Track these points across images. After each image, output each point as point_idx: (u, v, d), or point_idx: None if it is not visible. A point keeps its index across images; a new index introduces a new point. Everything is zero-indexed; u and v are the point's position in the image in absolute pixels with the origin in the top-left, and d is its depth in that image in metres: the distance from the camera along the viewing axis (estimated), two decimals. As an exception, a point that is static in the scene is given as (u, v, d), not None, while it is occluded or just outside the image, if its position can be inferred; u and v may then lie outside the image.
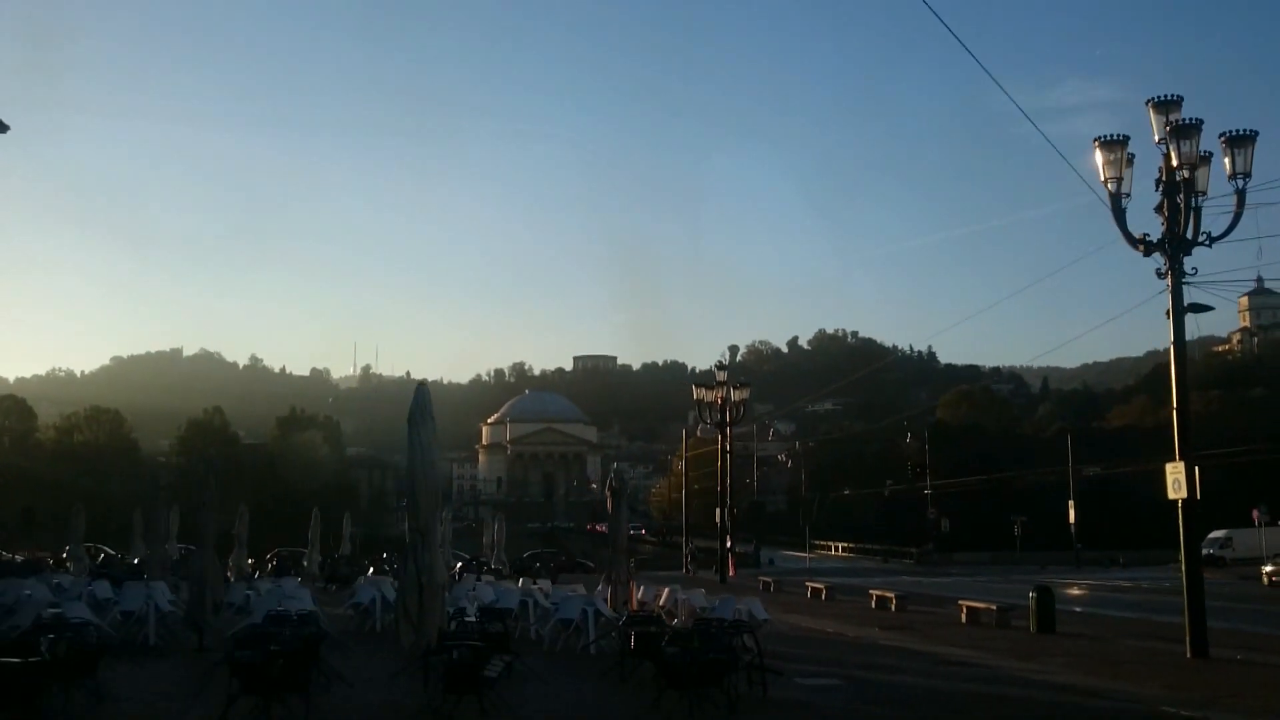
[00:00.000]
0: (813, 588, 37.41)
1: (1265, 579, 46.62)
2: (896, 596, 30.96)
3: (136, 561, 39.30)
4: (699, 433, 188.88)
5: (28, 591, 21.17)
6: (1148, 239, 19.77)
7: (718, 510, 49.25)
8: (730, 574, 52.29)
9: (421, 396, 14.48)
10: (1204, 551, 60.45)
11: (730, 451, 50.19)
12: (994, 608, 26.19)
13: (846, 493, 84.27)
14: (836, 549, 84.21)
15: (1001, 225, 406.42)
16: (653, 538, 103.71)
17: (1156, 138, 19.66)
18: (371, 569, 44.14)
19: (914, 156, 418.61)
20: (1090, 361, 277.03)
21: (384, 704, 13.55)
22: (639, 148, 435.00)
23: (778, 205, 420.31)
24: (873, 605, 31.68)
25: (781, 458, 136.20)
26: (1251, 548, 60.83)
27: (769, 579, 43.72)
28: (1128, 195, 20.17)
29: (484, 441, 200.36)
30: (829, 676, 16.22)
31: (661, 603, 22.76)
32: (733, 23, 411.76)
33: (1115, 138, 19.88)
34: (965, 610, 27.04)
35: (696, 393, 49.74)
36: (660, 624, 15.86)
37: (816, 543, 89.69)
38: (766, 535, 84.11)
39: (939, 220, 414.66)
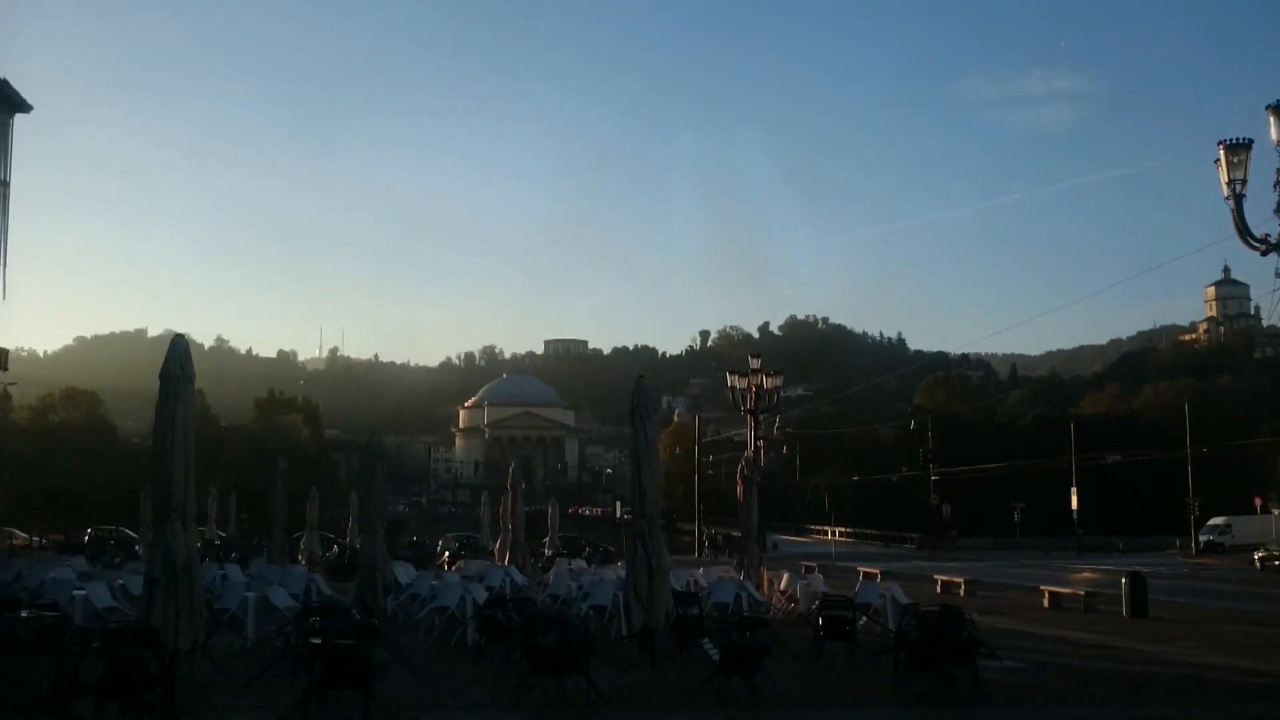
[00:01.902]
0: (865, 572, 38.07)
1: (1257, 563, 49.14)
2: (965, 581, 31.71)
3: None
4: (675, 417, 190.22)
5: (223, 573, 21.61)
6: (1269, 239, 20.57)
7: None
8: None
9: (644, 392, 14.94)
10: (1204, 538, 62.84)
11: (808, 439, 50.80)
12: (1080, 593, 27.08)
13: (855, 479, 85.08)
14: (834, 534, 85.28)
15: (969, 213, 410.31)
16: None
17: (1275, 139, 20.43)
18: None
19: (882, 143, 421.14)
20: (1055, 349, 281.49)
21: (661, 682, 13.97)
22: (608, 129, 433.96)
23: (748, 190, 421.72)
24: (938, 590, 32.40)
25: (762, 442, 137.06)
26: (1250, 534, 62.83)
27: (810, 563, 44.39)
28: (1244, 196, 21.02)
29: (461, 425, 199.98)
30: (1005, 658, 16.81)
31: (782, 588, 23.38)
32: (702, 2, 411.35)
33: (1240, 141, 20.62)
34: (1048, 595, 27.88)
35: (730, 379, 50.18)
36: (853, 607, 16.43)
37: (811, 527, 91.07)
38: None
39: (908, 207, 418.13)
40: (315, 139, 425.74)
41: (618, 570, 23.33)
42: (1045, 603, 27.63)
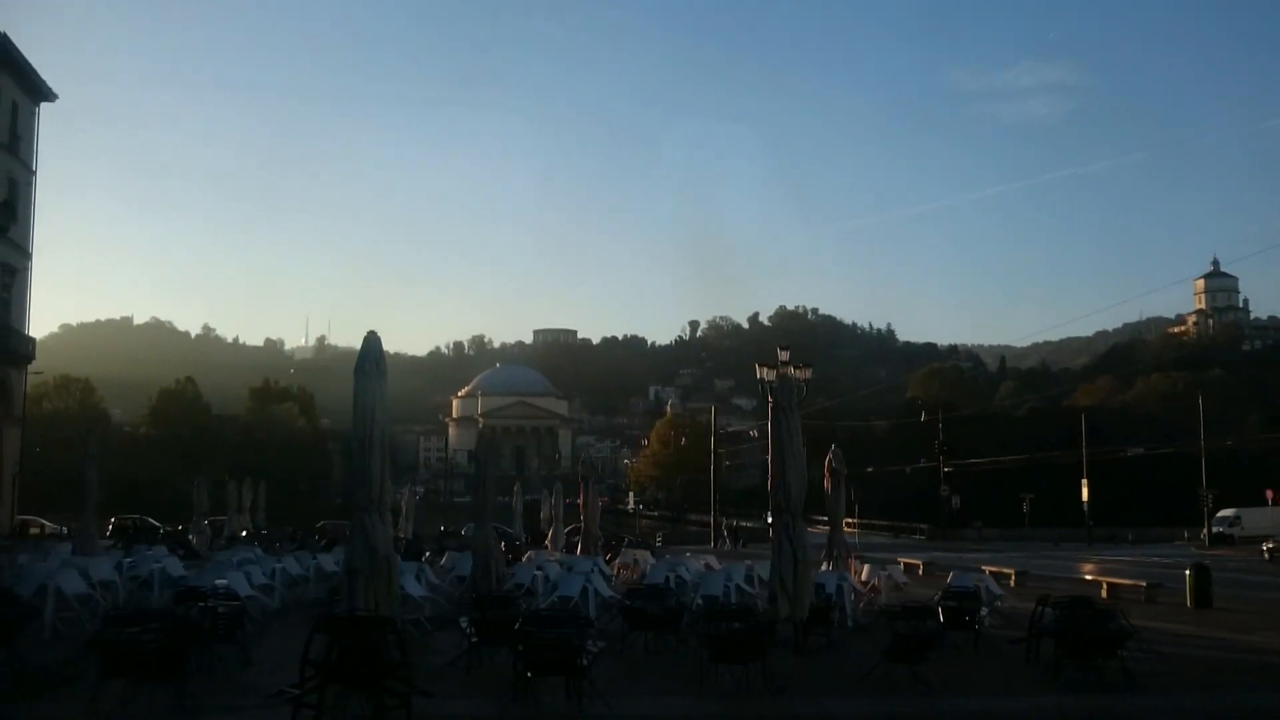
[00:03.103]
0: (906, 563, 38.51)
1: (1266, 554, 50.15)
2: (1016, 572, 32.22)
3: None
4: (669, 409, 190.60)
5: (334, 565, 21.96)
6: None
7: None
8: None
9: (786, 386, 15.36)
10: (1215, 529, 63.85)
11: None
12: (1142, 584, 27.63)
13: (870, 470, 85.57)
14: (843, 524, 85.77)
15: (957, 204, 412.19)
16: (650, 512, 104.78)
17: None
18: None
19: (870, 135, 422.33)
20: (1041, 340, 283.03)
21: (844, 666, 14.37)
22: (597, 118, 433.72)
23: (738, 181, 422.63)
24: (948, 580, 32.69)
25: (754, 433, 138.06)
26: (1259, 525, 63.91)
27: (880, 555, 44.52)
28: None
29: (454, 414, 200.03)
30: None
31: (864, 579, 23.85)
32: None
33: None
34: (1106, 586, 28.44)
35: (759, 371, 50.63)
36: (974, 599, 16.88)
37: (816, 518, 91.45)
38: (746, 510, 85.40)
39: (897, 198, 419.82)
40: (302, 128, 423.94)
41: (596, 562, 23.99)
42: (1104, 593, 28.14)
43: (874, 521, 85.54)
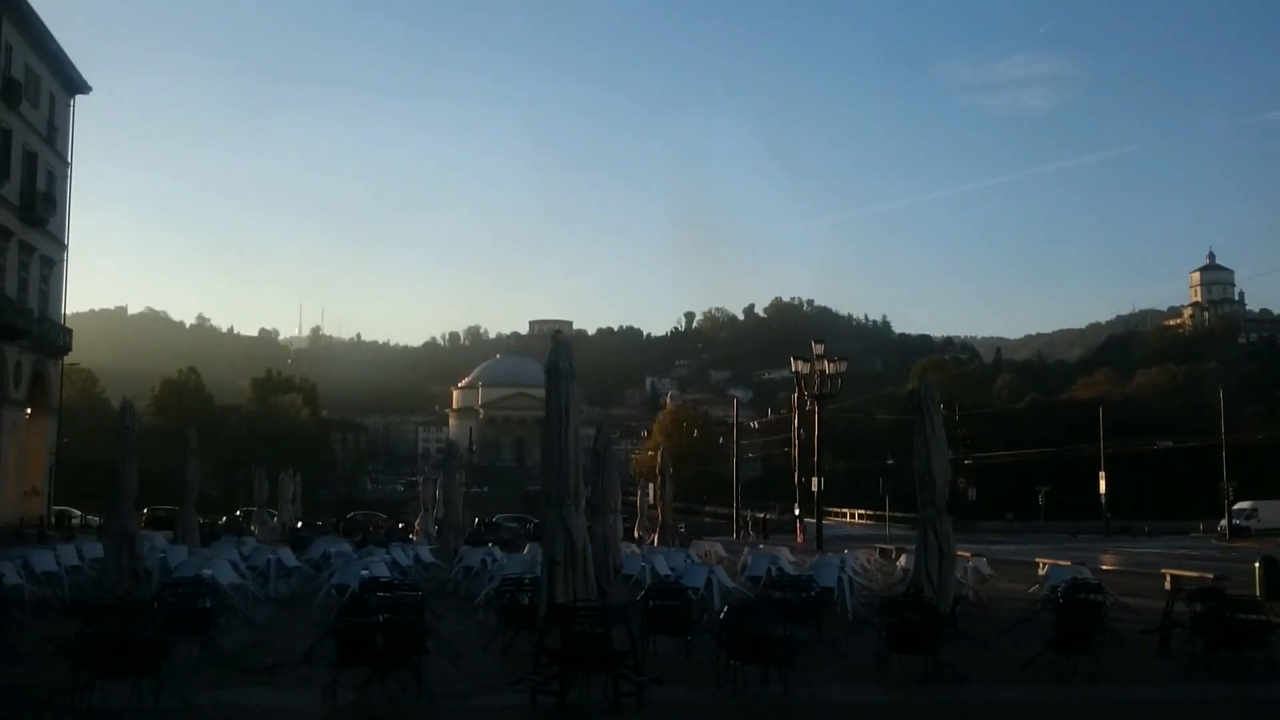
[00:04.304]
0: (968, 553, 38.88)
1: None
2: (1073, 564, 32.80)
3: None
4: (669, 400, 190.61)
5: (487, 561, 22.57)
6: None
7: (814, 480, 51.05)
8: (799, 539, 54.48)
9: (928, 385, 15.84)
10: (1232, 522, 64.74)
11: (824, 423, 52.03)
12: (1209, 575, 28.23)
13: (891, 461, 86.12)
14: (852, 515, 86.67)
15: (949, 196, 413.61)
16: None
17: None
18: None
19: (863, 126, 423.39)
20: (1034, 333, 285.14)
21: (996, 656, 14.82)
22: (590, 107, 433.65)
23: (732, 172, 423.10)
24: (1040, 572, 33.40)
25: (755, 425, 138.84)
26: (1275, 518, 64.92)
27: (966, 549, 44.72)
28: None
29: (454, 405, 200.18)
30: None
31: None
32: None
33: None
34: (1169, 578, 29.02)
35: (794, 365, 51.37)
36: (1103, 591, 17.41)
37: (828, 510, 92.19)
38: (755, 501, 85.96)
39: (890, 189, 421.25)
40: (293, 116, 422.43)
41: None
42: (1167, 585, 28.71)
43: (886, 514, 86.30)
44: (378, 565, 18.07)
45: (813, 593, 16.38)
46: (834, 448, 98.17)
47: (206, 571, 15.93)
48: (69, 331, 52.66)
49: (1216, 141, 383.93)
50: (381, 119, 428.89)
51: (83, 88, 54.11)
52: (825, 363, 51.03)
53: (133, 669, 9.99)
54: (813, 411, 51.70)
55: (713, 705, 11.44)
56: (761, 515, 67.90)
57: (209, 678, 11.87)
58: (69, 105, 53.41)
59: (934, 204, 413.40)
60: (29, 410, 49.17)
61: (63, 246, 52.44)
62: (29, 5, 46.44)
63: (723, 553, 31.22)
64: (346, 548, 24.48)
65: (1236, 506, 66.65)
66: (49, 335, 49.78)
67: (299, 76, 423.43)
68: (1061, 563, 31.32)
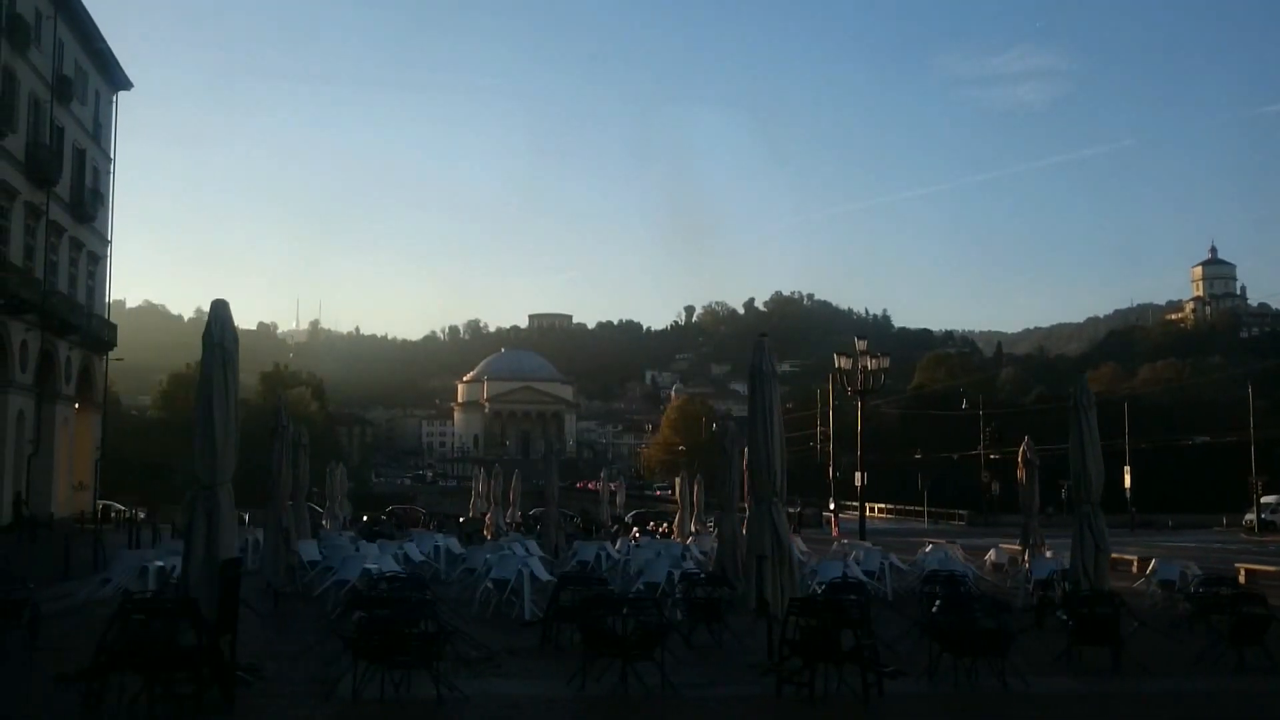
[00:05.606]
0: (1039, 549, 39.16)
1: None
2: (1138, 559, 33.31)
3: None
4: (673, 394, 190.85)
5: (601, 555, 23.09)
6: None
7: (856, 474, 51.56)
8: (835, 534, 54.99)
9: (1084, 385, 16.31)
10: (1261, 516, 65.40)
11: (865, 418, 52.55)
12: (1276, 569, 28.83)
13: (920, 456, 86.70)
14: (875, 510, 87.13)
15: (949, 189, 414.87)
16: (673, 499, 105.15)
17: None
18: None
19: (862, 119, 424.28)
20: (1032, 327, 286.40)
21: (1167, 649, 15.15)
22: (590, 101, 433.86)
23: (731, 166, 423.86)
24: (1148, 570, 33.67)
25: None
26: (1305, 512, 65.71)
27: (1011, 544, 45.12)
28: None
29: (460, 399, 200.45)
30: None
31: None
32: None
33: None
34: (1243, 572, 29.56)
35: (838, 360, 51.76)
36: (1225, 583, 17.93)
37: (846, 504, 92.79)
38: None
39: (889, 183, 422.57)
40: (292, 111, 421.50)
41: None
42: (1241, 578, 29.25)
43: (907, 508, 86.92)
44: (534, 562, 18.41)
45: (963, 589, 16.78)
46: (842, 442, 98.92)
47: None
48: (114, 327, 52.86)
49: (1215, 136, 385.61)
50: (377, 113, 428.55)
51: (125, 84, 54.28)
52: (868, 359, 51.48)
53: (414, 660, 10.41)
54: (850, 406, 52.20)
55: (940, 696, 11.85)
56: (800, 510, 68.08)
57: (450, 669, 12.25)
58: (112, 101, 53.61)
59: (931, 198, 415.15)
60: (77, 405, 49.39)
61: (106, 242, 52.68)
62: (81, 3, 46.67)
63: (803, 546, 31.62)
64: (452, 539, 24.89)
65: (1263, 500, 67.41)
66: (96, 330, 50.02)
67: (293, 71, 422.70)
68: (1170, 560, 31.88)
